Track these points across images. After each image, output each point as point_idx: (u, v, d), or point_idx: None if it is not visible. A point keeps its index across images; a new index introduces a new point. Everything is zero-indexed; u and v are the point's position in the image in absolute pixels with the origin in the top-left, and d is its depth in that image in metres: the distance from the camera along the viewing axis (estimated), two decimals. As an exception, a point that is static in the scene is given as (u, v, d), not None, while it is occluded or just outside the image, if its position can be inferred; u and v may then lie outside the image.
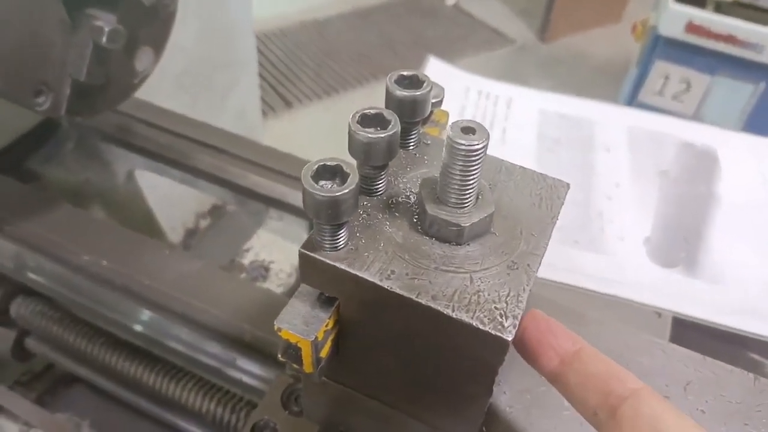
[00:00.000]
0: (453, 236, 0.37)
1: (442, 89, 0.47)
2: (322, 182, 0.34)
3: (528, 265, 0.37)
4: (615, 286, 0.69)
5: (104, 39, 0.63)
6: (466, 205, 0.37)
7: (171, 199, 1.23)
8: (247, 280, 0.89)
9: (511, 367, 0.45)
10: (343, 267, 0.35)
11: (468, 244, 0.37)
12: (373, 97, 2.67)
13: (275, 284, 0.88)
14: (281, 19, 3.21)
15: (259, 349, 0.68)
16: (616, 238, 0.75)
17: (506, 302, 0.34)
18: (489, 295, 0.35)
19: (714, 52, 1.87)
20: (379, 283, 0.35)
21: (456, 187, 0.36)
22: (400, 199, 0.40)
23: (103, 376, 0.88)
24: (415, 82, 0.41)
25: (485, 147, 0.35)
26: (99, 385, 0.87)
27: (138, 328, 0.76)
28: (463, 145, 0.34)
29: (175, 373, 0.79)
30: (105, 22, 0.64)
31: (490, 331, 0.33)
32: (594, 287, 0.69)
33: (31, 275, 0.76)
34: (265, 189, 0.88)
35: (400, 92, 0.40)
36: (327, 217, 0.34)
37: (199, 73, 1.19)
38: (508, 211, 0.40)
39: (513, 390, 0.45)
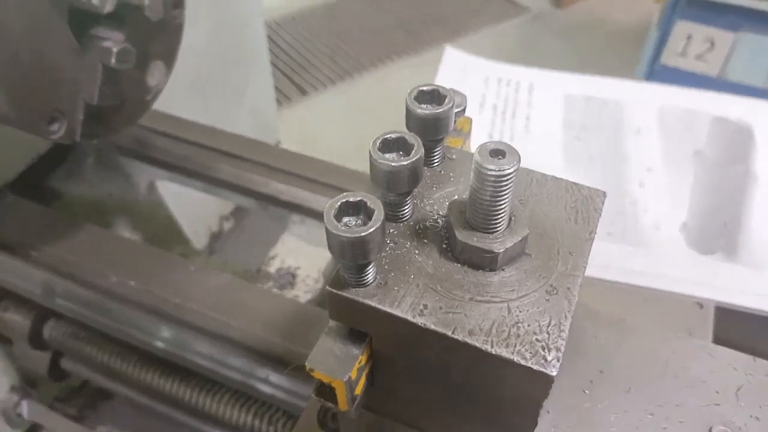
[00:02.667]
0: (486, 263, 0.35)
1: (464, 97, 0.44)
2: (345, 219, 0.32)
3: (568, 288, 0.35)
4: (653, 279, 0.67)
5: (113, 60, 0.62)
6: (498, 228, 0.35)
7: (193, 205, 1.23)
8: (275, 291, 0.88)
9: (555, 382, 0.43)
10: (373, 304, 0.34)
11: (503, 270, 0.36)
12: (387, 81, 2.61)
13: (303, 290, 0.87)
14: (291, 4, 3.17)
15: (292, 363, 0.67)
16: (651, 227, 0.72)
17: (548, 332, 0.33)
18: (529, 326, 0.33)
19: (737, 8, 1.80)
20: (412, 320, 0.33)
21: (487, 212, 0.34)
22: (427, 223, 0.38)
23: (139, 392, 0.88)
24: (436, 97, 0.39)
25: (516, 170, 0.33)
26: (136, 400, 0.88)
27: (170, 346, 0.76)
28: (493, 170, 0.32)
29: (211, 386, 0.79)
30: (113, 42, 0.62)
31: (532, 366, 0.31)
32: (631, 281, 0.67)
33: (61, 301, 0.76)
34: (286, 195, 0.87)
35: (422, 111, 0.38)
36: (353, 257, 0.32)
37: (211, 72, 1.17)
38: (542, 229, 0.38)
39: (557, 408, 0.44)
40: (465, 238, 0.35)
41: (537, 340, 0.32)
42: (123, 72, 0.66)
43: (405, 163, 0.34)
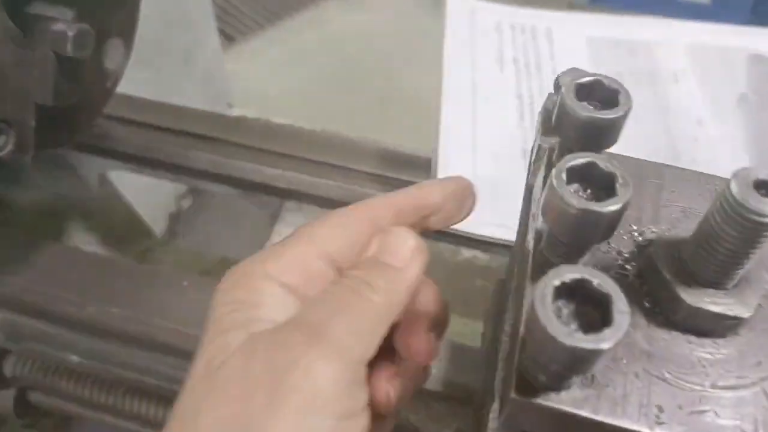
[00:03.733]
0: (721, 330, 0.26)
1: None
2: (563, 306, 0.22)
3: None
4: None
5: (69, 47, 0.47)
6: (731, 282, 0.25)
7: (148, 190, 1.08)
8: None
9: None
10: (587, 415, 0.23)
11: (737, 334, 0.26)
12: (323, 24, 2.36)
13: None
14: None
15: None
16: None
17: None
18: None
19: None
20: (650, 433, 0.23)
21: (731, 264, 0.24)
22: (611, 272, 0.28)
23: (123, 418, 0.76)
24: (599, 92, 0.28)
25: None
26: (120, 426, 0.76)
27: (161, 378, 0.64)
28: (761, 211, 0.22)
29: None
30: (64, 22, 0.47)
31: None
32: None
33: (29, 344, 0.62)
34: (281, 180, 0.74)
35: (589, 114, 0.27)
36: (575, 368, 0.22)
37: (156, 39, 1.00)
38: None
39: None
40: (696, 301, 0.25)
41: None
42: (80, 60, 0.51)
43: (614, 207, 0.23)
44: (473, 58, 0.72)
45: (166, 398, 0.69)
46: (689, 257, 0.25)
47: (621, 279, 0.27)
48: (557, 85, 0.34)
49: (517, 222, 0.38)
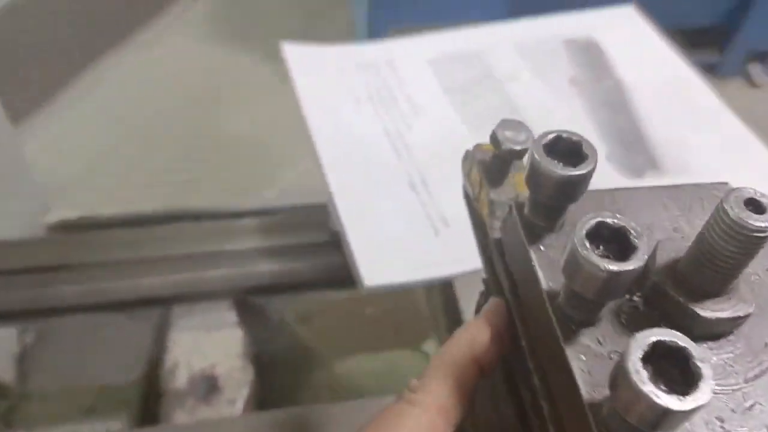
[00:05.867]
0: (732, 328, 0.29)
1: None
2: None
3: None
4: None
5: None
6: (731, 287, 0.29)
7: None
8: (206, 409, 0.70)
9: None
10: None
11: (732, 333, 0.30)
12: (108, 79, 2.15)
13: (233, 392, 0.71)
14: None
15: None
16: None
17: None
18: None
19: None
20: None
21: (731, 275, 0.27)
22: (624, 308, 0.30)
23: None
24: (567, 146, 0.31)
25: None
26: None
27: None
28: (761, 227, 0.25)
29: None
30: None
31: None
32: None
33: None
34: (161, 288, 0.70)
35: (563, 173, 0.29)
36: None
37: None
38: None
39: None
40: (711, 314, 0.28)
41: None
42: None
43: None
44: (331, 104, 0.73)
45: None
46: (692, 275, 0.28)
47: (634, 312, 0.30)
48: (495, 139, 0.36)
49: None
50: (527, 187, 0.31)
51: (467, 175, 0.42)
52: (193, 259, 0.73)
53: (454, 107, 0.75)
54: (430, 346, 0.79)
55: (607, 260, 0.25)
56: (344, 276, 0.64)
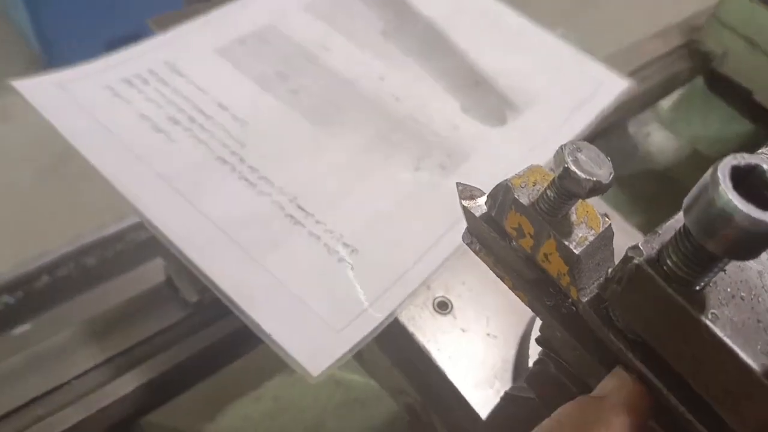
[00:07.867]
0: None
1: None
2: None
3: None
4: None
5: None
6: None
7: None
8: None
9: None
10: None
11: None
12: None
13: None
14: None
15: None
16: (450, 128, 0.59)
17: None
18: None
19: None
20: None
21: None
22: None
23: None
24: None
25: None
26: None
27: None
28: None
29: None
30: None
31: None
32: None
33: None
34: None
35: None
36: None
37: None
38: None
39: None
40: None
41: None
42: None
43: None
44: (125, 143, 0.51)
45: None
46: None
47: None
48: (570, 175, 0.25)
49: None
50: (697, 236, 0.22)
51: (498, 219, 0.29)
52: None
53: (284, 101, 0.59)
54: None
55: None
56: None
